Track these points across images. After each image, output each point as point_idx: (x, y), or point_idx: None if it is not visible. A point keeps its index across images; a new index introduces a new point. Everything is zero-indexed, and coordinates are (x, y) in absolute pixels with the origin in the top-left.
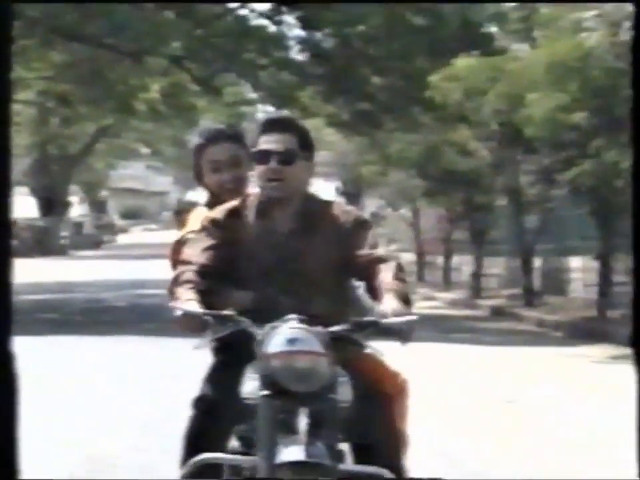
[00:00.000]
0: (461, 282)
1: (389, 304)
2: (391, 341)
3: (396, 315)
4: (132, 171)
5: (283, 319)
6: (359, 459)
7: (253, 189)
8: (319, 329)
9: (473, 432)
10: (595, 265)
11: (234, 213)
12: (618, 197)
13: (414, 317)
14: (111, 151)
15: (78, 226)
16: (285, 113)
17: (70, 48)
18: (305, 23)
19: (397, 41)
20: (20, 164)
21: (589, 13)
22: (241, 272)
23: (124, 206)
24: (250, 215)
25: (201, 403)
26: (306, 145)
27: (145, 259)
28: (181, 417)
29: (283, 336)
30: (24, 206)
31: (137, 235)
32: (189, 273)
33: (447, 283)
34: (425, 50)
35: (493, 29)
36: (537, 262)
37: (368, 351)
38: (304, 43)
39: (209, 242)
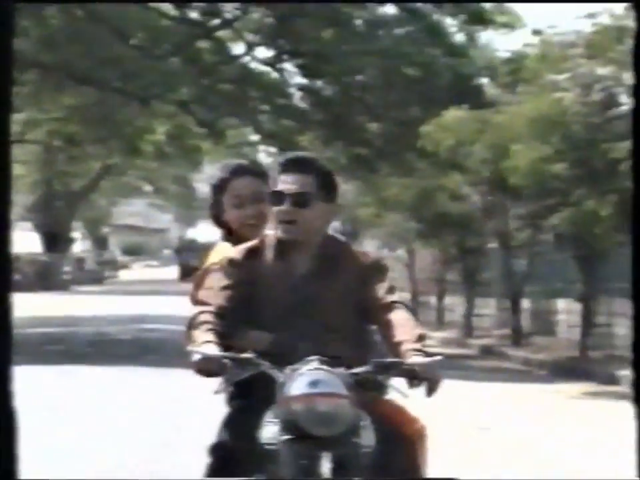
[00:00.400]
0: (453, 321)
1: (412, 347)
2: (414, 385)
3: (419, 356)
4: (133, 208)
5: (304, 361)
6: None
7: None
8: (341, 370)
9: (450, 451)
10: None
11: (252, 253)
12: (598, 243)
13: (439, 358)
14: (114, 188)
15: (80, 261)
16: (305, 153)
17: (80, 91)
18: (306, 72)
19: (393, 91)
20: (25, 200)
21: (563, 75)
22: (258, 313)
23: (125, 242)
24: (268, 255)
25: (218, 450)
26: (326, 186)
27: (145, 295)
28: (182, 435)
29: (305, 378)
30: (27, 241)
31: (138, 271)
32: (206, 314)
33: (440, 323)
34: (419, 100)
35: (484, 80)
36: (527, 303)
37: (389, 395)
38: (305, 90)
39: (226, 282)
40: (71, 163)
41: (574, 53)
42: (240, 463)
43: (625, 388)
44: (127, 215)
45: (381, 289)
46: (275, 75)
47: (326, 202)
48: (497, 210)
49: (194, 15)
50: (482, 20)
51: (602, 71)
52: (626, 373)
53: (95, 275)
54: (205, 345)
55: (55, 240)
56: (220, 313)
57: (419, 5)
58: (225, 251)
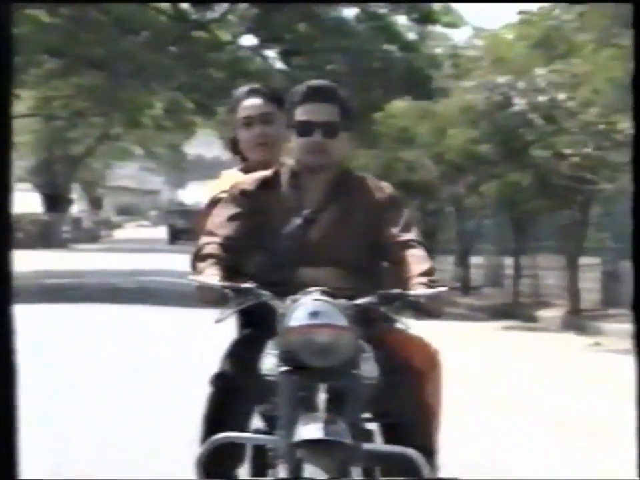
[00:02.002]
0: None
1: (418, 280)
2: (419, 316)
3: (424, 288)
4: (126, 171)
5: (304, 292)
6: (388, 440)
7: (284, 155)
8: (343, 301)
9: None
10: (524, 262)
11: (265, 183)
12: (520, 208)
13: (443, 289)
14: (110, 152)
15: (77, 221)
16: (326, 81)
17: (89, 73)
18: (285, 59)
19: (357, 78)
20: (27, 163)
21: (471, 83)
22: (268, 243)
23: (119, 203)
24: (282, 185)
25: (219, 380)
26: (348, 115)
27: (139, 252)
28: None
29: (304, 309)
30: (29, 202)
31: (131, 230)
32: (212, 245)
33: None
34: (379, 86)
35: (433, 71)
36: (480, 260)
37: (398, 325)
38: (284, 74)
39: (235, 211)
40: (71, 130)
41: (481, 65)
42: (241, 394)
43: (542, 325)
44: (121, 177)
45: (396, 226)
46: (259, 60)
47: (346, 131)
48: (447, 179)
49: (186, 8)
50: (430, 19)
51: (501, 79)
52: (545, 313)
53: (91, 234)
54: (207, 275)
55: (55, 201)
56: (226, 244)
57: (379, 7)
58: (230, 179)
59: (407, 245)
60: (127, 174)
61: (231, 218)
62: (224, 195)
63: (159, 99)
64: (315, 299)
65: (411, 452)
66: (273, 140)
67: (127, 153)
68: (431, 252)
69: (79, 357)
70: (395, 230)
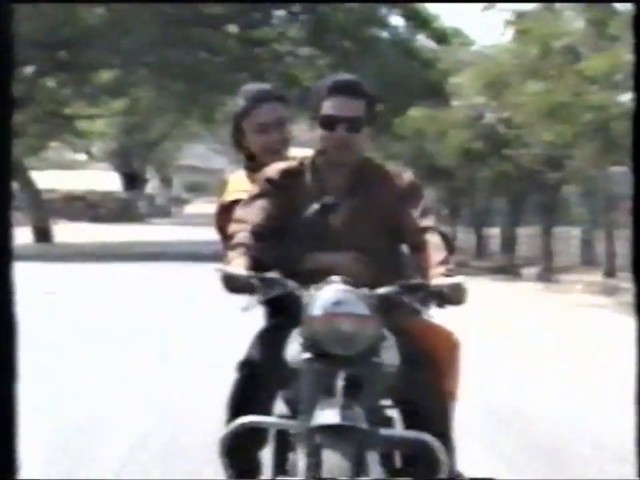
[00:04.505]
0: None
1: (437, 270)
2: (440, 305)
3: (444, 278)
4: (195, 152)
5: (327, 281)
6: (407, 426)
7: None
8: (365, 290)
9: None
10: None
11: (289, 174)
12: (509, 190)
13: (463, 280)
14: (181, 135)
15: (151, 198)
16: (352, 76)
17: (174, 82)
18: (332, 68)
19: (384, 89)
20: (109, 146)
21: (456, 103)
22: (292, 233)
23: (187, 181)
24: (305, 176)
25: (245, 367)
26: (372, 110)
27: (208, 226)
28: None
29: (327, 298)
30: (110, 181)
31: (199, 206)
32: (242, 234)
33: None
34: (398, 96)
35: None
36: (497, 231)
37: (421, 315)
38: None
39: (264, 201)
40: (151, 121)
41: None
42: (266, 380)
43: (526, 280)
44: (189, 157)
45: (415, 213)
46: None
47: (369, 125)
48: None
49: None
50: (443, 40)
51: (478, 100)
52: (528, 270)
53: (164, 210)
54: (234, 265)
55: (132, 180)
56: (257, 232)
57: (402, 33)
58: (241, 180)
59: (425, 231)
60: (195, 154)
61: (260, 206)
62: (240, 195)
63: (228, 100)
64: (338, 288)
65: (427, 437)
66: (286, 143)
67: (196, 136)
68: (448, 238)
69: (182, 300)
70: (414, 216)
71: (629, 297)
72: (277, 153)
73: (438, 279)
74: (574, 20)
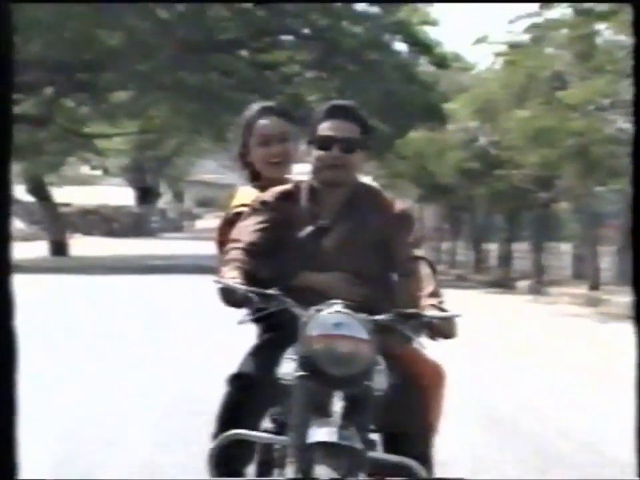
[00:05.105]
0: (441, 260)
1: (429, 301)
2: (432, 336)
3: (436, 310)
4: (205, 167)
5: (327, 303)
6: (388, 449)
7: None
8: (364, 315)
9: None
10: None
11: (285, 196)
12: (502, 207)
13: (456, 314)
14: (193, 151)
15: (163, 212)
16: (348, 101)
17: (187, 102)
18: (337, 94)
19: (377, 113)
20: (122, 162)
21: (452, 126)
22: (285, 253)
23: (198, 196)
24: (301, 198)
25: (237, 380)
26: (365, 133)
27: None
28: None
29: (328, 319)
30: (123, 195)
31: (210, 221)
32: (236, 251)
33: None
34: (399, 117)
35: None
36: (495, 247)
37: (412, 343)
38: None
39: (257, 222)
40: (164, 139)
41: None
42: (256, 395)
43: (519, 292)
44: (200, 172)
45: (406, 241)
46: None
47: (362, 149)
48: (459, 187)
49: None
50: (443, 65)
51: (472, 124)
52: (522, 283)
53: (175, 224)
54: (228, 278)
55: (146, 194)
56: (250, 250)
57: (404, 59)
58: (246, 195)
59: (415, 261)
60: (206, 169)
61: (254, 227)
62: (243, 209)
63: (239, 119)
64: (338, 311)
65: (412, 463)
66: (288, 158)
67: (208, 152)
68: (435, 268)
69: (191, 311)
70: (405, 245)
71: (609, 308)
72: (279, 166)
73: (431, 310)
74: (560, 49)
